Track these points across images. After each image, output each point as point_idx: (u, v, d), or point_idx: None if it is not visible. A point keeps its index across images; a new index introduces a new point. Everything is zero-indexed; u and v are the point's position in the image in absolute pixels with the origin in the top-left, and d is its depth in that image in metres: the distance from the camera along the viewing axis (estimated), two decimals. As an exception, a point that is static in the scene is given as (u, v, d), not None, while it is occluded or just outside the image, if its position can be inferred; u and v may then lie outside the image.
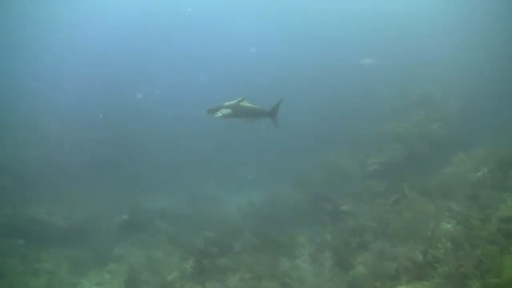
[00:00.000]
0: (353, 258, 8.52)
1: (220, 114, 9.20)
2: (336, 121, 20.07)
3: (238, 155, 19.99)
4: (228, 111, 9.26)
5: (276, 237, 10.95)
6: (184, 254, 10.88)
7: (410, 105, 16.53)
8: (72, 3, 33.32)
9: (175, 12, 35.71)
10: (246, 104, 9.15)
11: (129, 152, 19.75)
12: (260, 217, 13.09)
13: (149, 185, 17.21)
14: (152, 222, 13.46)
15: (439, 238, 7.40)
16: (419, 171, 12.44)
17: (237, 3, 35.65)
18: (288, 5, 34.34)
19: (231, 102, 9.23)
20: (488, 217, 7.77)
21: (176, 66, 34.24)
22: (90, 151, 18.41)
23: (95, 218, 13.32)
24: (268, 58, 31.96)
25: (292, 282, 8.49)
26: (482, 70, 18.04)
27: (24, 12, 31.31)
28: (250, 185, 17.26)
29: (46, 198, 13.82)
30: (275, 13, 36.09)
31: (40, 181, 15.20)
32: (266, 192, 15.52)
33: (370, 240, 9.14)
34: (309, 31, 34.13)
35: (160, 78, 31.68)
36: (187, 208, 15.39)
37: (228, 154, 20.32)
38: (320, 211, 11.95)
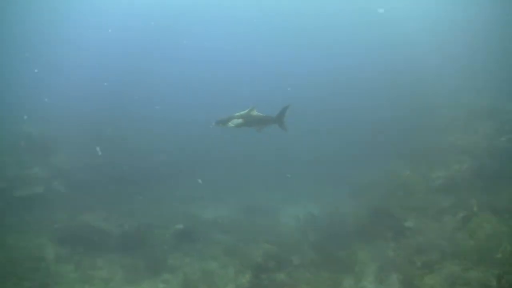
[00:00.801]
0: (420, 279, 8.33)
1: (232, 125, 9.98)
2: (394, 130, 19.82)
3: (291, 164, 19.71)
4: (239, 121, 9.98)
5: (336, 253, 10.78)
6: (240, 267, 10.73)
7: (473, 116, 16.24)
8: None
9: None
10: (255, 113, 9.85)
11: (182, 159, 19.95)
12: (318, 230, 12.89)
13: (203, 194, 17.27)
14: (207, 232, 13.47)
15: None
16: (489, 187, 12.03)
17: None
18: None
19: (242, 113, 9.95)
20: None
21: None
22: (144, 158, 18.72)
23: (149, 227, 13.25)
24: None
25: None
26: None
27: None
28: (305, 196, 17.04)
29: (101, 204, 14.03)
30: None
31: (95, 187, 15.51)
32: (322, 204, 15.34)
33: (437, 260, 8.92)
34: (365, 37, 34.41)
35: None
36: (241, 218, 15.30)
37: (281, 164, 20.08)
38: (382, 226, 11.67)
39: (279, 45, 38.09)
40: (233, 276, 10.46)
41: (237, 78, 33.89)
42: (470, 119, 16.12)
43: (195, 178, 17.81)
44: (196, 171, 18.89)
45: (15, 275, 9.74)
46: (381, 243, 10.96)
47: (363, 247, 10.98)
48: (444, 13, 30.77)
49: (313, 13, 36.69)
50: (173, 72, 36.09)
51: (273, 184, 18.58)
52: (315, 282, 9.12)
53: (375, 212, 12.32)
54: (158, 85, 33.55)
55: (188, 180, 18.13)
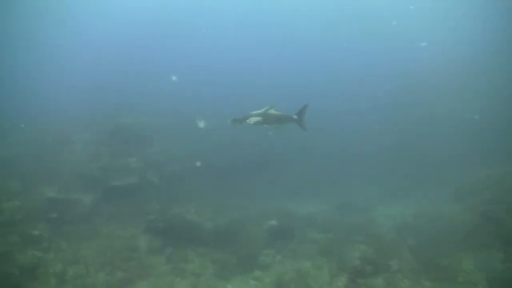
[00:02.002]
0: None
1: (251, 123, 10.44)
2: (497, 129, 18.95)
3: (386, 163, 19.42)
4: (258, 119, 10.49)
5: (438, 259, 10.28)
6: (336, 270, 10.51)
7: None
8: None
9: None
10: (273, 111, 10.31)
11: (275, 154, 19.86)
12: (417, 233, 12.39)
13: (296, 189, 17.17)
14: (301, 229, 13.26)
15: None
16: None
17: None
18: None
19: (259, 111, 10.46)
20: None
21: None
22: (237, 151, 18.82)
23: (242, 221, 13.32)
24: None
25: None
26: None
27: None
28: (400, 195, 16.69)
29: (194, 197, 14.20)
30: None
31: (189, 179, 15.95)
32: (420, 205, 14.90)
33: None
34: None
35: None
36: (336, 215, 15.01)
37: (374, 162, 19.60)
38: (489, 234, 10.84)
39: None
40: (328, 279, 10.22)
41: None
42: None
43: (286, 173, 18.06)
44: (287, 165, 18.93)
45: (110, 264, 10.25)
46: (488, 252, 10.23)
47: (468, 255, 10.34)
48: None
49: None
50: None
51: (366, 181, 18.21)
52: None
53: (482, 218, 11.52)
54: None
55: (281, 174, 18.13)
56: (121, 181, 14.37)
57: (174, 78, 29.72)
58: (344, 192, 17.03)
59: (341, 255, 11.17)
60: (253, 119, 10.53)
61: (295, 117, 10.55)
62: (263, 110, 10.58)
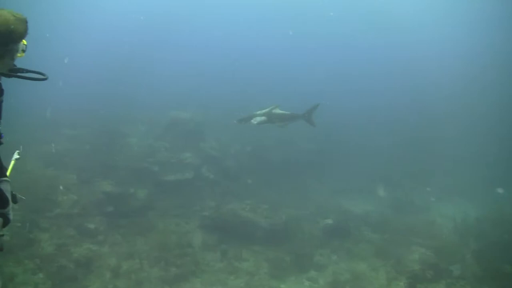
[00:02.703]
0: None
1: (255, 122, 11.22)
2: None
3: (435, 161, 19.13)
4: (263, 118, 11.22)
5: (503, 267, 9.86)
6: (393, 273, 10.34)
7: None
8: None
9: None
10: (278, 111, 10.91)
11: (329, 148, 19.74)
12: (480, 236, 11.99)
13: (351, 187, 16.98)
14: (356, 228, 13.16)
15: None
16: None
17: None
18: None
19: (264, 111, 11.10)
20: None
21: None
22: (293, 146, 18.85)
23: (298, 219, 13.24)
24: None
25: None
26: None
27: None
28: (459, 194, 16.25)
29: (249, 193, 14.29)
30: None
31: (244, 175, 15.90)
32: (482, 206, 14.41)
33: None
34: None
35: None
36: (392, 214, 14.72)
37: (429, 159, 19.35)
38: None
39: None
40: (385, 282, 10.01)
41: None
42: None
43: (343, 168, 17.82)
44: (342, 161, 18.64)
45: (164, 260, 10.34)
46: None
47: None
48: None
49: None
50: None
51: (422, 178, 17.81)
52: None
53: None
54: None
55: (337, 171, 17.89)
56: (176, 176, 14.51)
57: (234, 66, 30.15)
58: (399, 190, 16.70)
59: (399, 257, 10.94)
60: (257, 119, 11.24)
61: (303, 115, 11.11)
62: (267, 109, 11.13)
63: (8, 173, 3.22)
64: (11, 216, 3.31)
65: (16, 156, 3.29)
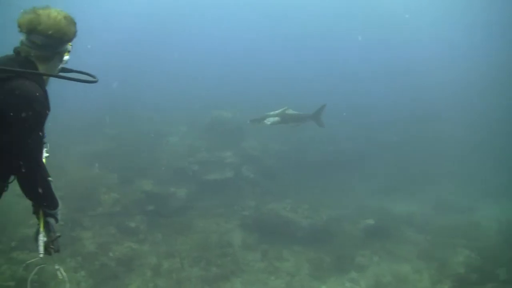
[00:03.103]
0: None
1: (269, 123, 11.49)
2: None
3: (474, 160, 18.59)
4: (276, 119, 11.50)
5: None
6: (437, 276, 10.09)
7: None
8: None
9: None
10: (291, 111, 11.21)
11: (371, 147, 19.46)
12: None
13: (392, 186, 16.64)
14: (398, 229, 12.90)
15: None
16: None
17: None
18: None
19: (277, 111, 11.39)
20: None
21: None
22: (332, 144, 18.65)
23: (338, 219, 13.07)
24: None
25: None
26: None
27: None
28: (505, 195, 15.56)
29: (289, 193, 14.16)
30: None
31: (284, 174, 15.92)
32: None
33: None
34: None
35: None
36: (435, 214, 14.39)
37: (471, 158, 18.87)
38: None
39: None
40: (429, 285, 9.79)
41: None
42: None
43: (383, 168, 17.70)
44: (382, 160, 18.44)
45: (204, 259, 10.39)
46: None
47: None
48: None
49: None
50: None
51: (464, 178, 17.37)
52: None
53: None
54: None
55: (377, 170, 17.73)
56: (217, 175, 14.57)
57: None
58: (440, 190, 16.22)
59: (443, 260, 10.70)
60: (270, 119, 11.50)
61: (312, 115, 11.48)
62: (280, 110, 11.41)
63: None
64: (59, 216, 3.38)
65: (45, 154, 3.32)
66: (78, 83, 3.06)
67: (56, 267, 3.33)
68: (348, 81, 30.87)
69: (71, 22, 3.03)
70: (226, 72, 32.21)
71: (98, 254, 9.69)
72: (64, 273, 3.39)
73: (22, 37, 2.92)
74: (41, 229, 3.28)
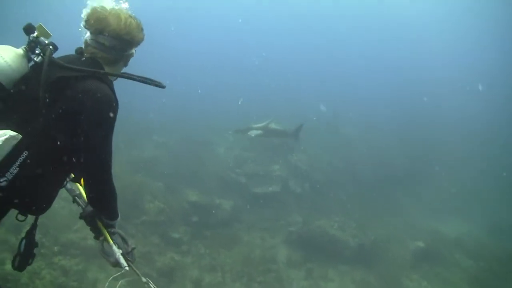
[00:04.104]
0: None
1: (252, 135, 12.56)
2: None
3: None
4: (259, 132, 12.59)
5: None
6: None
7: None
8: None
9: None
10: (274, 126, 11.85)
11: (420, 165, 19.11)
12: None
13: (442, 206, 16.30)
14: (448, 253, 12.61)
15: None
16: None
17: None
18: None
19: (260, 125, 12.26)
20: None
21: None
22: (385, 162, 18.31)
23: (387, 240, 12.82)
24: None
25: None
26: None
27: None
28: None
29: (337, 209, 14.02)
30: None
31: (333, 190, 15.62)
32: None
33: None
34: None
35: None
36: (487, 240, 13.93)
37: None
38: None
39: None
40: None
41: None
42: None
43: (435, 187, 17.44)
44: (432, 178, 18.11)
45: (247, 274, 10.28)
46: None
47: None
48: None
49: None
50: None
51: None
52: None
53: None
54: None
55: (429, 189, 17.39)
56: (263, 188, 14.47)
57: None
58: (494, 213, 15.67)
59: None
60: (254, 132, 12.52)
61: (292, 133, 12.58)
62: (264, 123, 12.37)
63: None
64: (116, 228, 3.35)
65: None
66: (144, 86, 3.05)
67: (144, 280, 3.28)
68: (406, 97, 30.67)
69: (140, 26, 2.98)
70: (279, 84, 32.41)
71: (140, 263, 9.68)
72: (154, 286, 3.31)
73: (87, 36, 2.88)
74: (110, 241, 3.23)
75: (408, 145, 20.35)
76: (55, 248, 8.57)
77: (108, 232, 3.25)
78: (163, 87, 2.96)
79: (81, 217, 3.33)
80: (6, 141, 2.44)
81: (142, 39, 3.04)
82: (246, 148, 17.13)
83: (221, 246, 11.34)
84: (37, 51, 2.73)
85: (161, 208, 11.76)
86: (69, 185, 3.37)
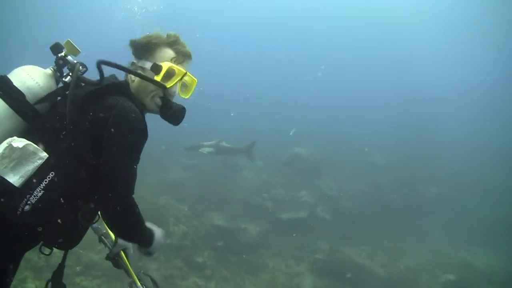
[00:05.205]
0: None
1: (204, 152, 13.30)
2: None
3: None
4: (211, 149, 13.30)
5: None
6: None
7: None
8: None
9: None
10: (225, 144, 12.56)
11: (454, 193, 18.69)
12: None
13: (477, 234, 15.77)
14: (481, 286, 12.21)
15: None
16: None
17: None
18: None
19: (211, 142, 13.05)
20: None
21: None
22: (415, 188, 18.12)
23: (416, 271, 12.50)
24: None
25: None
26: None
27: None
28: None
29: (365, 237, 13.85)
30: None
31: (361, 217, 15.42)
32: None
33: None
34: None
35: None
36: None
37: None
38: None
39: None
40: None
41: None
42: None
43: (465, 214, 17.00)
44: (465, 205, 17.77)
45: (270, 302, 10.18)
46: None
47: None
48: None
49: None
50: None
51: None
52: None
53: None
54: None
55: (459, 216, 16.94)
56: (290, 214, 14.39)
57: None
58: None
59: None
60: (205, 149, 13.15)
61: (244, 150, 13.38)
62: (214, 141, 13.03)
63: None
64: (154, 252, 3.18)
65: None
66: None
67: None
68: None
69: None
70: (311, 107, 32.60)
71: (163, 287, 9.70)
72: None
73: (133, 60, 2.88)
74: (137, 282, 3.11)
75: (436, 169, 20.11)
76: (77, 268, 8.64)
77: (137, 276, 3.16)
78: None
79: (108, 258, 3.23)
80: (28, 154, 2.38)
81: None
82: (274, 173, 17.13)
83: (246, 272, 11.27)
84: (65, 70, 2.73)
85: (185, 231, 11.78)
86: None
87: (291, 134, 21.36)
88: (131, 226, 2.77)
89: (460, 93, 38.76)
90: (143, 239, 2.96)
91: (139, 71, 2.79)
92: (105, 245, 3.34)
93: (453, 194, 18.38)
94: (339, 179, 17.30)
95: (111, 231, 3.22)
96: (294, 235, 13.40)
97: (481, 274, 12.85)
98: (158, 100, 2.84)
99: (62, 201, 2.42)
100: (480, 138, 28.11)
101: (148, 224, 3.01)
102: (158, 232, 3.10)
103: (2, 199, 2.35)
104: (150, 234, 3.01)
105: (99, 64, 2.59)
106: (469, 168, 20.98)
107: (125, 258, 3.22)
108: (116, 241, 3.26)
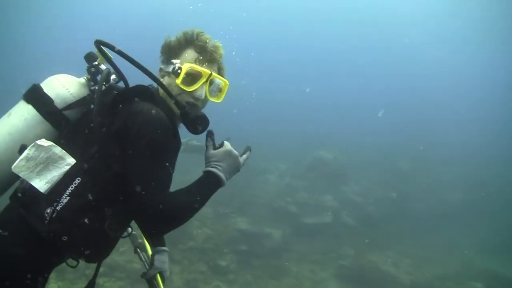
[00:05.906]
0: None
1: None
2: None
3: None
4: (181, 147, 11.88)
5: None
6: None
7: None
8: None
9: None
10: (194, 142, 11.77)
11: (478, 199, 18.21)
12: None
13: (504, 242, 15.19)
14: None
15: None
16: None
17: None
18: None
19: (183, 140, 11.55)
20: None
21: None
22: (439, 194, 17.97)
23: (442, 279, 12.20)
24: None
25: None
26: None
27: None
28: None
29: (391, 244, 13.73)
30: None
31: (386, 223, 15.24)
32: None
33: None
34: None
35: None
36: None
37: None
38: None
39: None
40: None
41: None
42: None
43: (492, 221, 16.65)
44: (492, 212, 17.34)
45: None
46: None
47: None
48: None
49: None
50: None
51: None
52: None
53: None
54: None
55: (486, 224, 16.59)
56: (315, 219, 14.31)
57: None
58: None
59: None
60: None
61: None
62: (184, 140, 12.31)
63: None
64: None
65: None
66: None
67: None
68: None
69: None
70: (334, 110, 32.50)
71: (185, 290, 9.70)
72: None
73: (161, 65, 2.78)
74: None
75: (457, 174, 19.89)
76: (100, 269, 8.65)
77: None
78: None
79: (143, 276, 3.16)
80: (55, 159, 2.35)
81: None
82: (298, 177, 17.03)
83: (270, 277, 11.18)
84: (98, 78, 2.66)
85: (209, 234, 11.78)
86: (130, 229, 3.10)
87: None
88: (174, 219, 2.52)
89: (473, 97, 38.81)
90: (201, 204, 2.67)
91: (166, 77, 2.71)
92: (141, 259, 3.26)
93: (478, 199, 18.00)
94: (365, 184, 17.13)
95: (149, 238, 3.16)
96: (318, 239, 13.34)
97: (509, 284, 12.59)
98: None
99: (88, 209, 2.35)
100: (499, 141, 27.63)
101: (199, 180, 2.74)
102: (220, 166, 2.76)
103: (30, 208, 2.32)
104: (206, 190, 2.72)
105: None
106: (490, 174, 20.54)
107: (160, 282, 3.13)
108: (152, 262, 3.17)
